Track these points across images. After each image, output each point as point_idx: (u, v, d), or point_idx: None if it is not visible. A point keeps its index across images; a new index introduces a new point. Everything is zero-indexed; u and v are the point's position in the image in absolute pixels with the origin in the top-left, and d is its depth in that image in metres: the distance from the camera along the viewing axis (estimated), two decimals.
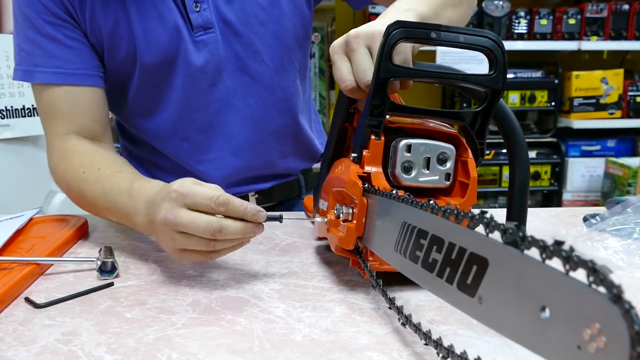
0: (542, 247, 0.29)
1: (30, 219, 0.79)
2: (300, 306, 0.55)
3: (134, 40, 0.81)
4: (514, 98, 2.76)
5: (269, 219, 0.58)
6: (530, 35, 2.73)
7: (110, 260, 0.62)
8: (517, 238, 0.31)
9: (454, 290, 0.37)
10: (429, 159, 0.57)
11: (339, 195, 0.60)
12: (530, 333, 0.31)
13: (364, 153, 0.58)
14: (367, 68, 0.57)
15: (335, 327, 0.50)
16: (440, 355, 0.42)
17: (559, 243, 0.28)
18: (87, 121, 0.82)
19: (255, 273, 0.63)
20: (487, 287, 0.34)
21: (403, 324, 0.48)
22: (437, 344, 0.43)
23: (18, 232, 0.73)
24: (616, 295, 0.25)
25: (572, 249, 0.28)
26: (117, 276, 0.62)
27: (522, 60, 2.92)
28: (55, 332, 0.49)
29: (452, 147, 0.58)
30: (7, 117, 1.75)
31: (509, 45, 2.69)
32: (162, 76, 0.84)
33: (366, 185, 0.55)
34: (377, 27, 0.58)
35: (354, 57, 0.58)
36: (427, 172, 0.57)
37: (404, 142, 0.57)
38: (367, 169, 0.57)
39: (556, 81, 2.77)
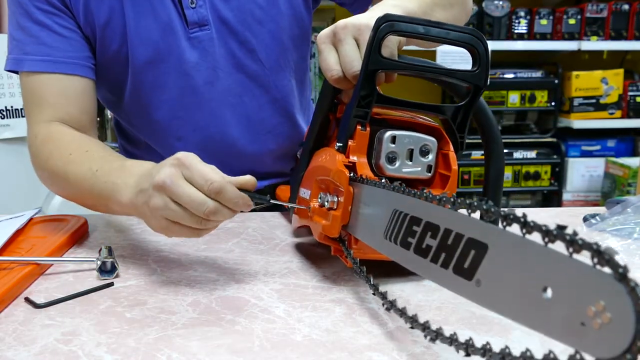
0: (546, 231, 0.30)
1: (30, 219, 0.79)
2: (300, 306, 0.55)
3: (126, 35, 0.81)
4: (514, 98, 2.76)
5: (257, 202, 0.58)
6: (530, 35, 2.73)
7: (110, 260, 0.62)
8: (518, 223, 0.32)
9: (449, 275, 0.38)
10: (412, 150, 0.59)
11: (322, 184, 0.61)
12: (531, 313, 0.31)
13: (350, 143, 0.59)
14: (354, 59, 0.58)
15: (335, 327, 0.50)
16: (429, 337, 0.42)
17: (562, 227, 0.29)
18: (75, 111, 0.80)
19: (255, 273, 0.63)
20: (486, 271, 0.35)
21: (387, 309, 0.49)
22: (424, 327, 0.43)
23: (18, 232, 0.73)
24: (622, 275, 0.26)
25: (575, 233, 0.29)
26: (117, 276, 0.62)
27: (522, 60, 2.92)
28: (55, 332, 0.49)
29: (434, 139, 0.59)
30: (7, 117, 1.75)
31: (509, 45, 2.69)
32: (155, 72, 0.84)
33: (352, 175, 0.56)
34: (365, 19, 0.59)
35: (342, 47, 0.59)
36: (410, 163, 0.59)
37: (389, 133, 0.58)
38: (352, 158, 0.58)
39: (556, 81, 2.77)
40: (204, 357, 0.45)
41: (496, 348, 0.36)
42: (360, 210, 0.54)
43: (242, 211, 0.58)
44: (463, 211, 0.38)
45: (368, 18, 0.59)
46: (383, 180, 0.51)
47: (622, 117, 2.80)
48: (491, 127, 0.65)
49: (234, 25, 0.84)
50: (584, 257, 0.28)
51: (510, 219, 0.32)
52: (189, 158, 0.57)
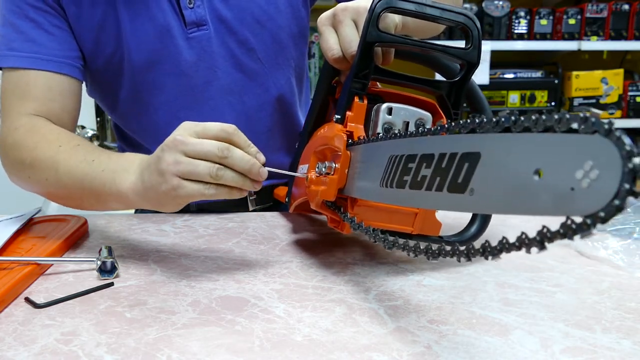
0: (534, 120, 0.32)
1: (30, 219, 0.79)
2: (300, 306, 0.55)
3: (121, 38, 0.81)
4: (514, 98, 2.76)
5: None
6: (530, 35, 2.73)
7: (110, 260, 0.62)
8: (509, 124, 0.34)
9: (444, 195, 0.39)
10: (407, 123, 0.61)
11: (320, 154, 0.64)
12: (524, 199, 0.32)
13: (347, 114, 0.61)
14: (352, 39, 0.61)
15: (335, 327, 0.50)
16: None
17: (550, 111, 0.30)
18: (58, 108, 0.79)
19: (255, 273, 0.63)
20: (479, 178, 0.36)
21: (389, 249, 0.52)
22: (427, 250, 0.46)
23: (18, 232, 0.73)
24: (607, 130, 0.27)
25: (563, 113, 0.30)
26: (117, 276, 0.62)
27: (522, 60, 2.92)
28: (55, 332, 0.49)
29: (429, 114, 0.62)
30: None
31: (509, 45, 2.69)
32: (153, 74, 0.84)
33: (349, 141, 0.58)
34: (363, 3, 0.62)
35: (341, 28, 0.62)
36: None
37: (385, 105, 0.61)
38: (350, 125, 0.61)
39: (556, 81, 2.77)
40: (204, 357, 0.45)
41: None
42: (358, 169, 0.56)
43: (256, 163, 0.59)
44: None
45: (366, 1, 0.61)
46: (380, 134, 0.53)
47: (622, 117, 2.80)
48: (482, 104, 0.69)
49: (233, 24, 0.84)
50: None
51: (500, 123, 0.35)
52: (195, 122, 0.59)
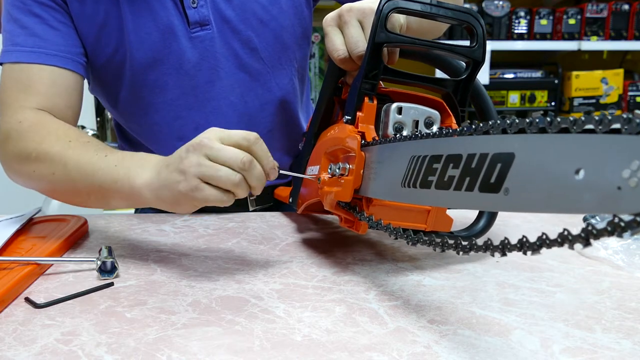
0: (572, 122, 0.32)
1: (30, 219, 0.79)
2: (300, 306, 0.55)
3: (124, 37, 0.80)
4: (514, 98, 2.76)
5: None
6: (530, 35, 2.73)
7: (110, 260, 0.62)
8: (544, 125, 0.34)
9: (475, 195, 0.39)
10: (417, 122, 0.61)
11: (332, 156, 0.64)
12: (565, 198, 0.32)
13: (358, 114, 0.61)
14: (359, 40, 0.61)
15: (335, 327, 0.50)
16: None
17: (588, 113, 0.30)
18: (62, 104, 0.78)
19: (255, 273, 0.63)
20: (514, 178, 0.36)
21: (414, 244, 0.52)
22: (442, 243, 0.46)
23: (18, 232, 0.73)
24: None
25: (603, 114, 0.30)
26: (117, 276, 0.62)
27: (522, 60, 2.92)
28: (55, 332, 0.49)
29: (437, 112, 0.62)
30: None
31: (509, 45, 2.69)
32: (155, 74, 0.84)
33: (362, 141, 0.58)
34: (368, 3, 0.62)
35: (347, 29, 0.62)
36: None
37: (395, 104, 0.61)
38: (362, 126, 0.61)
39: (556, 81, 2.77)
40: (204, 357, 0.45)
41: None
42: (374, 170, 0.56)
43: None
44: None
45: (371, 2, 0.62)
46: (398, 135, 0.54)
47: None
48: (487, 104, 0.69)
49: (236, 24, 0.84)
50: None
51: (535, 123, 0.34)
52: (221, 128, 0.60)
